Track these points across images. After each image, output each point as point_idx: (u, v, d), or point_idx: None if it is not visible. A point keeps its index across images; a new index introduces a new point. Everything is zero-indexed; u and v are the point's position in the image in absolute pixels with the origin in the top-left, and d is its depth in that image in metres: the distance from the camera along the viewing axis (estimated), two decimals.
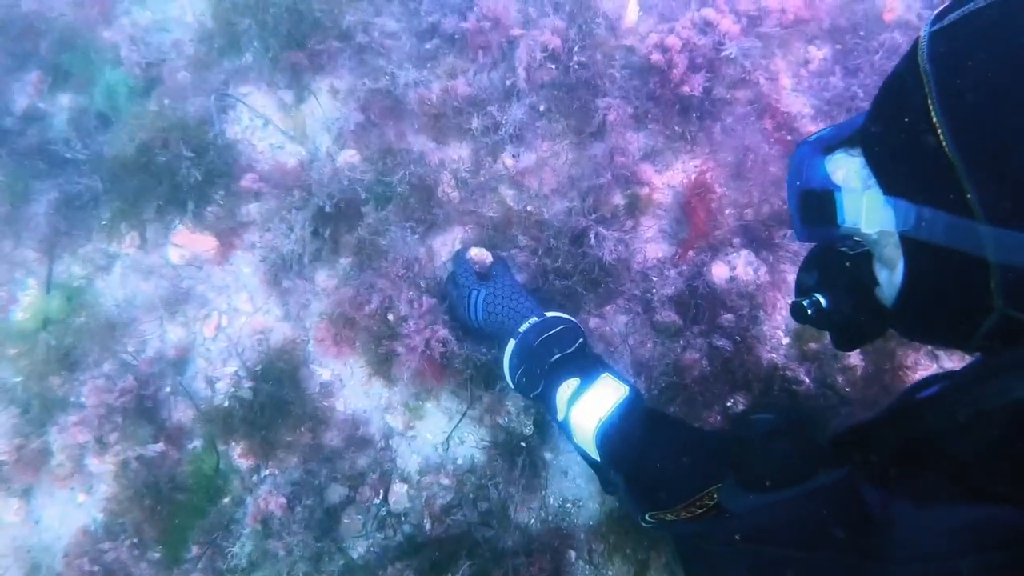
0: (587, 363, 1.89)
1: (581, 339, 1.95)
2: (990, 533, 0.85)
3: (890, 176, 1.03)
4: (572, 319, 2.05)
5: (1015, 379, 0.87)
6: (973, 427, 0.91)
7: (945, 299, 1.01)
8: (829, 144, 1.18)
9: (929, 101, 0.90)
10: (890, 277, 1.09)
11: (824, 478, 1.16)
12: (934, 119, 0.90)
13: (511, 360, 1.99)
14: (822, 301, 1.31)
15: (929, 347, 2.15)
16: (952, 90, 0.89)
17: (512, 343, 1.98)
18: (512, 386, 2.04)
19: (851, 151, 1.13)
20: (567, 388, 1.81)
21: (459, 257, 2.28)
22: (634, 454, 1.65)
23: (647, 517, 1.55)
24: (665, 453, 1.61)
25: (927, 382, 1.16)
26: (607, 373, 1.82)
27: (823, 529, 1.06)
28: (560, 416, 1.82)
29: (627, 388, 1.77)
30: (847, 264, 1.23)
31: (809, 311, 1.32)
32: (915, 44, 0.96)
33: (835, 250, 1.26)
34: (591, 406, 1.74)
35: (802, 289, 1.37)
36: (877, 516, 0.97)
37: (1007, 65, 0.85)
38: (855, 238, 1.16)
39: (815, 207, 1.15)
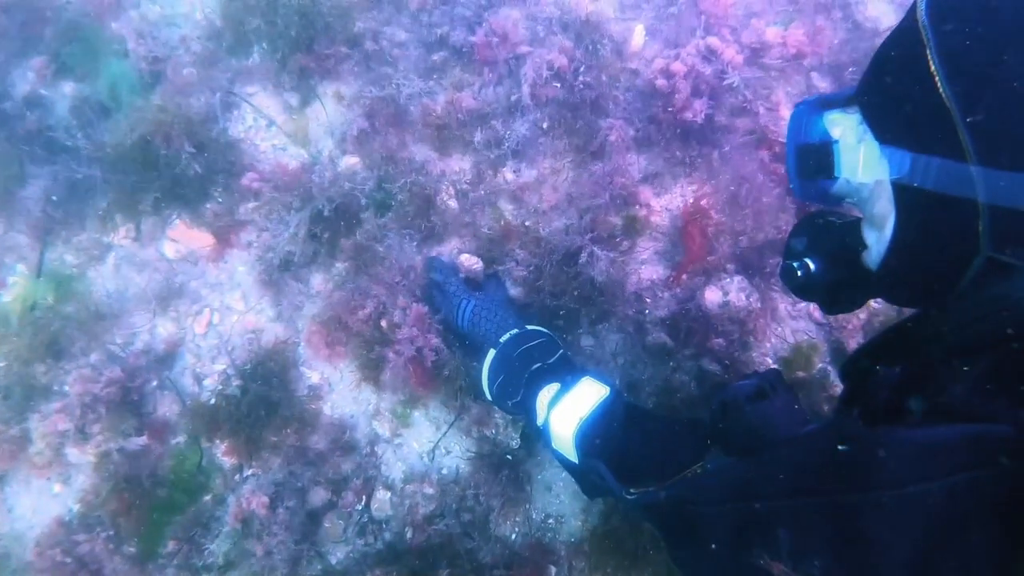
0: (567, 369, 1.90)
1: (560, 351, 1.97)
2: (978, 449, 0.85)
3: (886, 127, 1.07)
4: (550, 333, 2.07)
5: (1004, 287, 0.91)
6: (961, 342, 0.95)
7: (933, 247, 1.04)
8: (827, 103, 1.23)
9: (927, 51, 0.96)
10: (879, 237, 1.12)
11: (809, 427, 1.18)
12: (932, 67, 0.95)
13: (490, 369, 2.00)
14: (811, 265, 1.34)
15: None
16: (948, 38, 0.95)
17: (492, 352, 2.01)
18: (490, 397, 2.05)
19: (847, 109, 1.18)
20: (547, 392, 1.81)
21: (439, 265, 2.29)
22: (615, 446, 1.65)
23: (630, 490, 1.53)
24: (646, 442, 1.64)
25: None
26: (588, 376, 1.82)
27: (809, 473, 1.05)
28: (540, 420, 1.81)
29: (607, 388, 1.76)
30: (836, 230, 1.28)
31: (799, 272, 1.35)
32: (913, 5, 1.02)
33: (825, 218, 1.32)
34: (571, 406, 1.73)
35: (792, 254, 1.41)
36: (862, 447, 0.97)
37: (998, 12, 0.92)
38: (845, 202, 1.22)
39: (812, 160, 1.19)
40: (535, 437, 2.29)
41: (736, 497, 1.18)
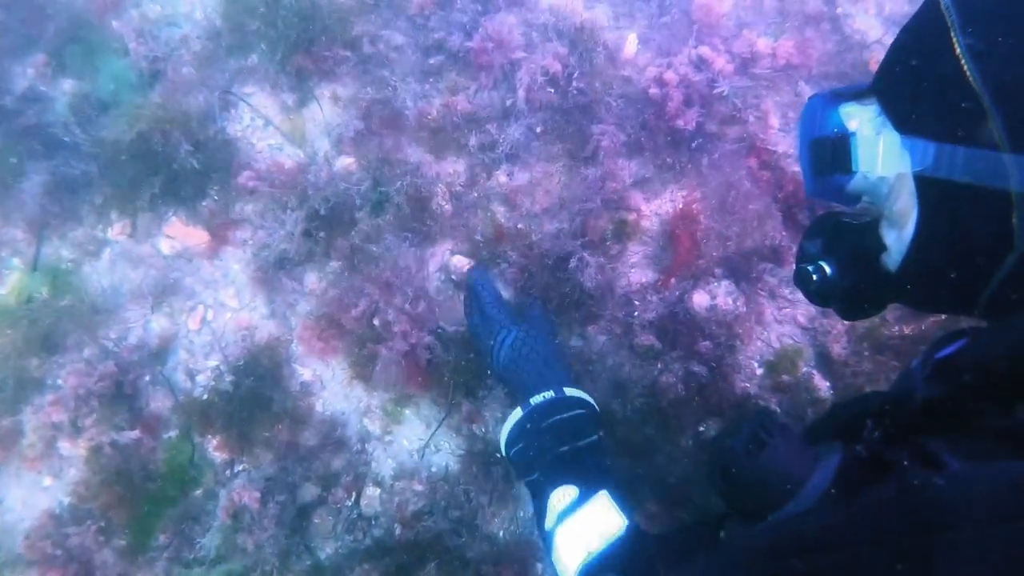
0: (592, 470, 1.71)
1: (596, 435, 1.79)
2: None
3: (907, 116, 1.01)
4: (592, 403, 1.88)
5: None
6: (1013, 377, 0.86)
7: (960, 245, 0.97)
8: (841, 96, 1.16)
9: (951, 34, 0.90)
10: (899, 236, 1.05)
11: (824, 469, 1.05)
12: (957, 50, 0.89)
13: (513, 429, 1.83)
14: (827, 268, 1.25)
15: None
16: (974, 18, 0.89)
17: (519, 412, 1.84)
18: (503, 455, 1.90)
19: (863, 101, 1.12)
20: (563, 496, 1.64)
21: (484, 279, 2.20)
22: None
23: None
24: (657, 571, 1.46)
25: (941, 343, 1.09)
26: (607, 494, 1.64)
27: (868, 516, 0.87)
28: (548, 525, 1.65)
29: (625, 522, 1.58)
30: (852, 231, 1.20)
31: (814, 276, 1.26)
32: None
33: (839, 219, 1.23)
34: (582, 532, 1.56)
35: (805, 256, 1.31)
36: (928, 481, 0.82)
37: None
38: (862, 201, 1.15)
39: (828, 154, 1.12)
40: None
41: (773, 556, 1.00)
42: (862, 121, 1.10)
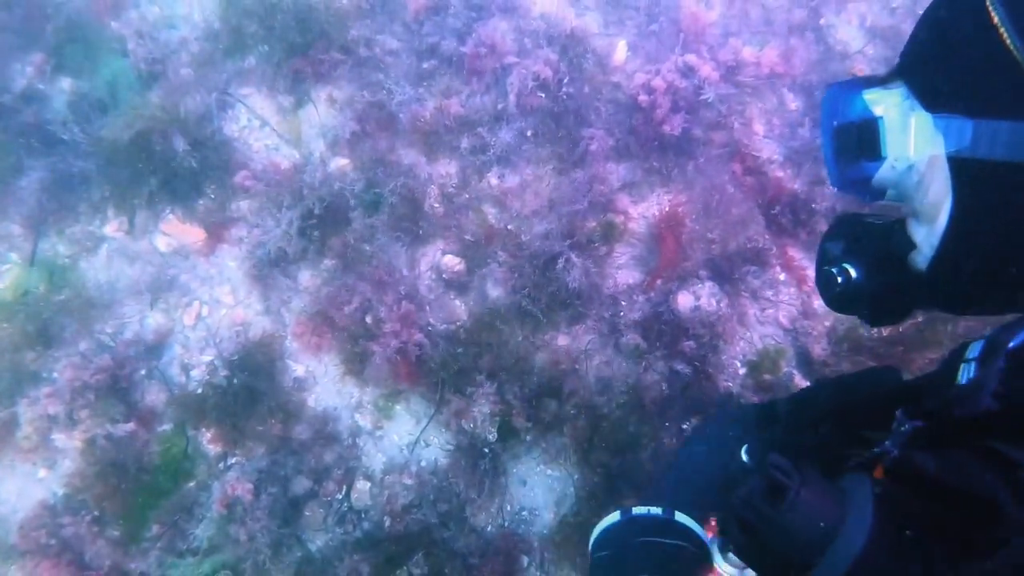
0: None
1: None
2: None
3: (939, 94, 0.94)
4: (702, 538, 1.59)
5: None
6: None
7: (999, 234, 0.90)
8: (863, 82, 1.08)
9: (987, 3, 0.84)
10: (930, 231, 0.98)
11: (860, 510, 0.94)
12: (995, 18, 0.83)
13: (603, 531, 1.64)
14: (851, 271, 1.15)
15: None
16: None
17: (615, 516, 1.64)
18: (589, 552, 1.67)
19: (888, 86, 1.04)
20: None
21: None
22: None
23: None
24: None
25: (1006, 331, 1.00)
26: None
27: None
28: None
29: None
30: (876, 231, 1.12)
31: (839, 279, 1.15)
32: None
33: (863, 218, 1.16)
34: None
35: (827, 259, 1.20)
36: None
37: None
38: (887, 196, 1.07)
39: (853, 142, 1.04)
40: (514, 434, 2.37)
41: None
42: (888, 106, 1.02)
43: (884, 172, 1.02)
